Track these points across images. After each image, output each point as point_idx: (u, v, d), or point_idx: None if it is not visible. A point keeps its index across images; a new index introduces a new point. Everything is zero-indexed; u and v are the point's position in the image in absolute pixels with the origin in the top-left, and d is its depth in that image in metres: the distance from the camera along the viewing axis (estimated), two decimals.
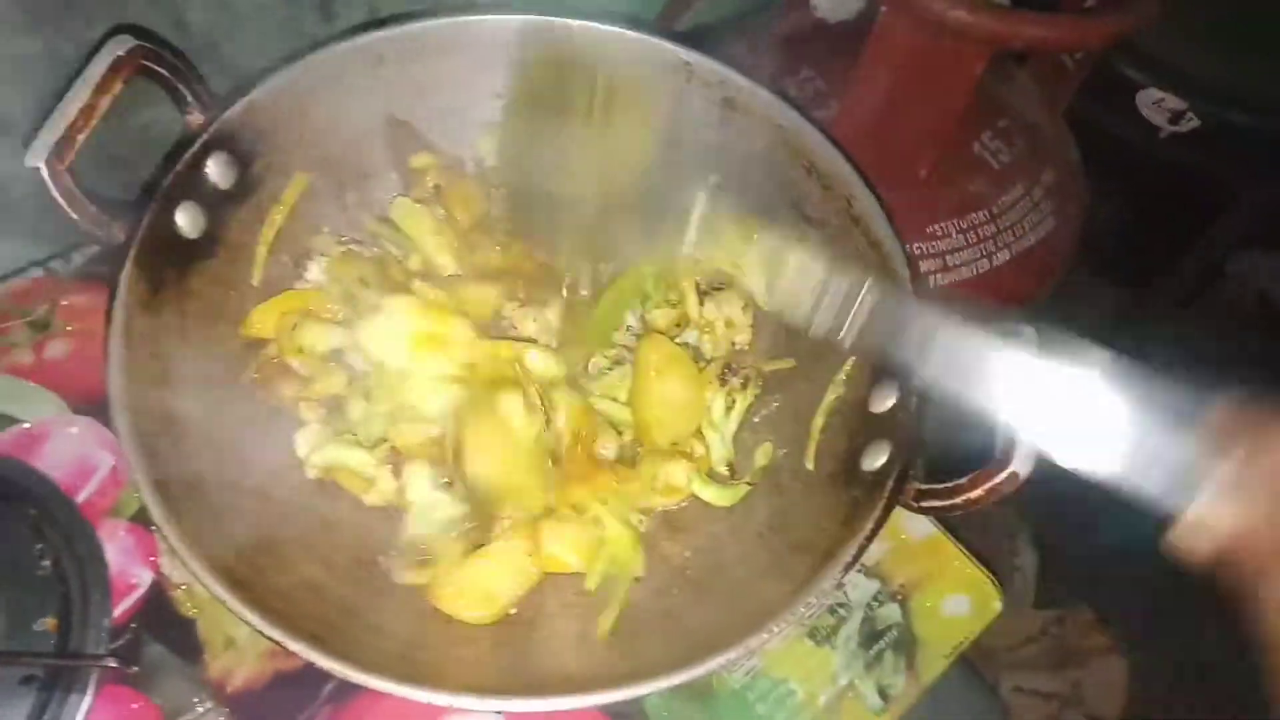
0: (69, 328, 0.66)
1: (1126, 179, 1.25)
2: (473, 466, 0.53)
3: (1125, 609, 1.36)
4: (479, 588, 0.52)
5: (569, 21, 0.58)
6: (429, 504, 0.55)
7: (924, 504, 0.48)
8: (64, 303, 0.67)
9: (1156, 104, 1.24)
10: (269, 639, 0.43)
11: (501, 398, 0.53)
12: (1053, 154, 1.04)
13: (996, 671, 1.30)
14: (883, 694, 0.60)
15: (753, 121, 0.60)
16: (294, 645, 0.43)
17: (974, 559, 0.66)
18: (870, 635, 0.62)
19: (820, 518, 0.51)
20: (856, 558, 0.47)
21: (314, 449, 0.54)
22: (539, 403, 0.53)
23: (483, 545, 0.53)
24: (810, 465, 0.56)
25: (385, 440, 0.55)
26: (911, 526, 0.66)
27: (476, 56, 0.59)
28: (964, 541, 0.67)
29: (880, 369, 0.53)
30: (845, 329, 0.53)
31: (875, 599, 0.63)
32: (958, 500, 0.46)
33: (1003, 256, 0.96)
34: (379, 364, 0.54)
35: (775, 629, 0.46)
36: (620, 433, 0.58)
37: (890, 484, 0.48)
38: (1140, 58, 1.20)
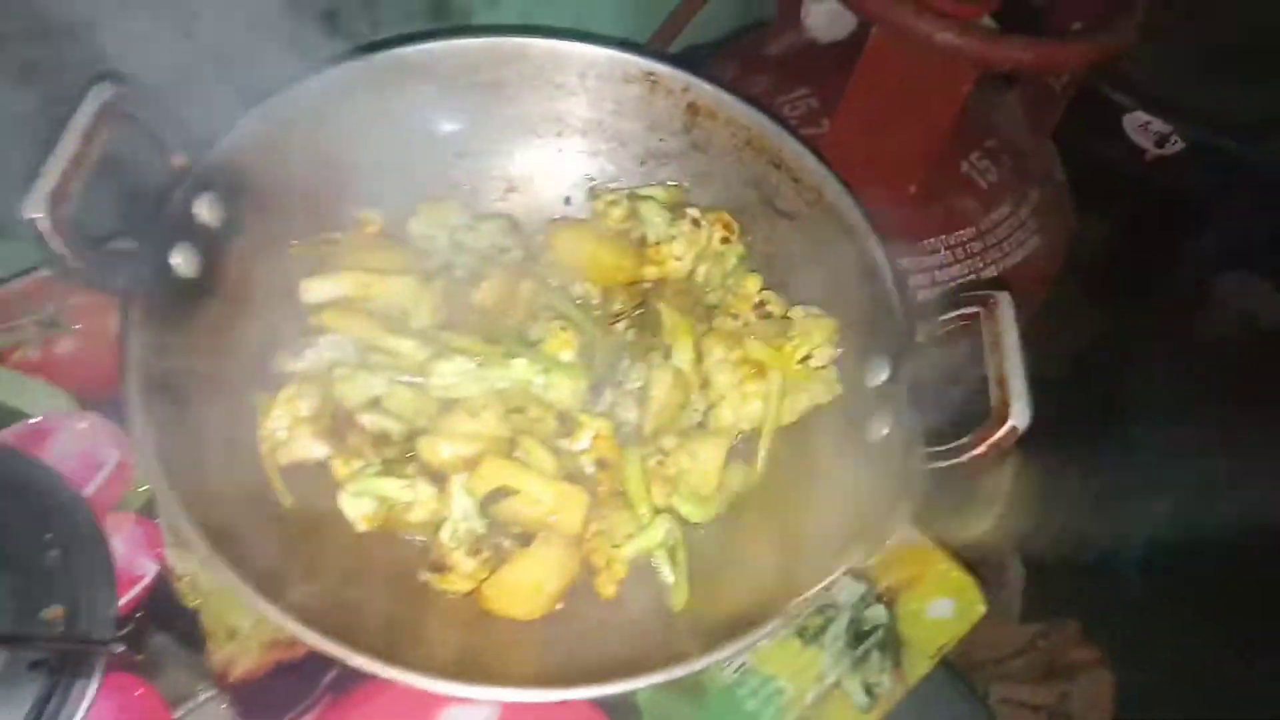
0: (76, 326, 0.68)
1: (1113, 200, 1.28)
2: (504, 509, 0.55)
3: (1111, 624, 1.38)
4: (526, 585, 0.54)
5: (533, 41, 0.61)
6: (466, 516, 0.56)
7: (933, 464, 0.50)
8: (71, 302, 0.69)
9: (1143, 127, 1.27)
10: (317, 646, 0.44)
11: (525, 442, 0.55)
12: (1039, 174, 1.07)
13: (984, 683, 1.31)
14: (869, 692, 0.62)
15: (717, 124, 0.62)
16: (332, 647, 0.44)
17: (959, 564, 0.67)
18: (857, 635, 0.64)
19: (834, 490, 0.53)
20: (882, 527, 0.49)
21: (355, 498, 0.55)
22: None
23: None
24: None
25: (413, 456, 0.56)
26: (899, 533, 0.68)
27: (444, 81, 0.61)
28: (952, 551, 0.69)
29: (870, 345, 0.55)
30: None
31: (862, 600, 0.65)
32: (962, 459, 0.48)
33: (989, 273, 0.98)
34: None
35: (805, 600, 0.47)
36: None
37: (898, 450, 0.50)
38: (1127, 83, 1.23)
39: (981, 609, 0.66)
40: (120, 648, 0.53)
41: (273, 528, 0.51)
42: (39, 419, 0.64)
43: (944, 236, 0.96)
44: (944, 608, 0.66)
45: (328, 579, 0.51)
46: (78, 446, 0.63)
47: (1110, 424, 1.56)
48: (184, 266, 0.52)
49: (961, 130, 0.98)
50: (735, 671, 0.61)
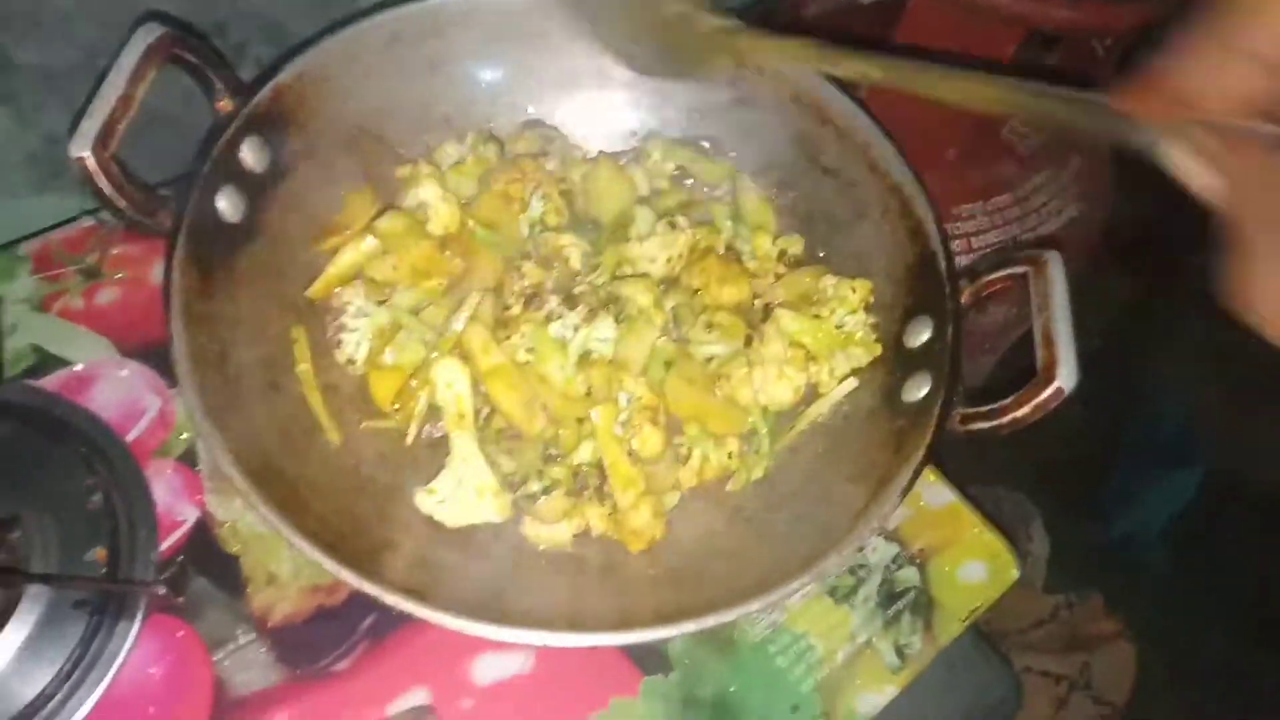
0: (118, 275, 0.68)
1: (1153, 171, 1.25)
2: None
3: (1134, 597, 1.38)
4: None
5: None
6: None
7: (970, 427, 0.49)
8: (114, 252, 0.69)
9: None
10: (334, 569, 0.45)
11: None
12: (1080, 142, 1.05)
13: (1007, 652, 1.32)
14: (899, 653, 0.62)
15: (763, 78, 0.61)
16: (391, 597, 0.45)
17: (992, 527, 0.67)
18: (889, 596, 0.64)
19: (869, 450, 0.53)
20: (912, 482, 0.50)
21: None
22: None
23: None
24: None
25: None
26: (931, 495, 0.67)
27: (484, 31, 0.61)
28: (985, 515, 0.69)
29: (911, 305, 0.54)
30: None
31: (894, 562, 0.65)
32: (1004, 420, 0.48)
33: (1026, 240, 0.97)
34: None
35: (840, 554, 0.47)
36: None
37: (936, 411, 0.50)
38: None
39: (1014, 573, 0.66)
40: (162, 589, 0.54)
41: (313, 469, 0.52)
42: (81, 366, 0.64)
43: (981, 203, 0.96)
44: (976, 571, 0.65)
45: (364, 518, 0.51)
46: (119, 394, 0.64)
47: (1140, 396, 1.55)
48: (229, 210, 0.52)
49: None
50: (766, 628, 0.61)
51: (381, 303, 0.57)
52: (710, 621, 0.46)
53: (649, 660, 0.59)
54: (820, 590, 0.63)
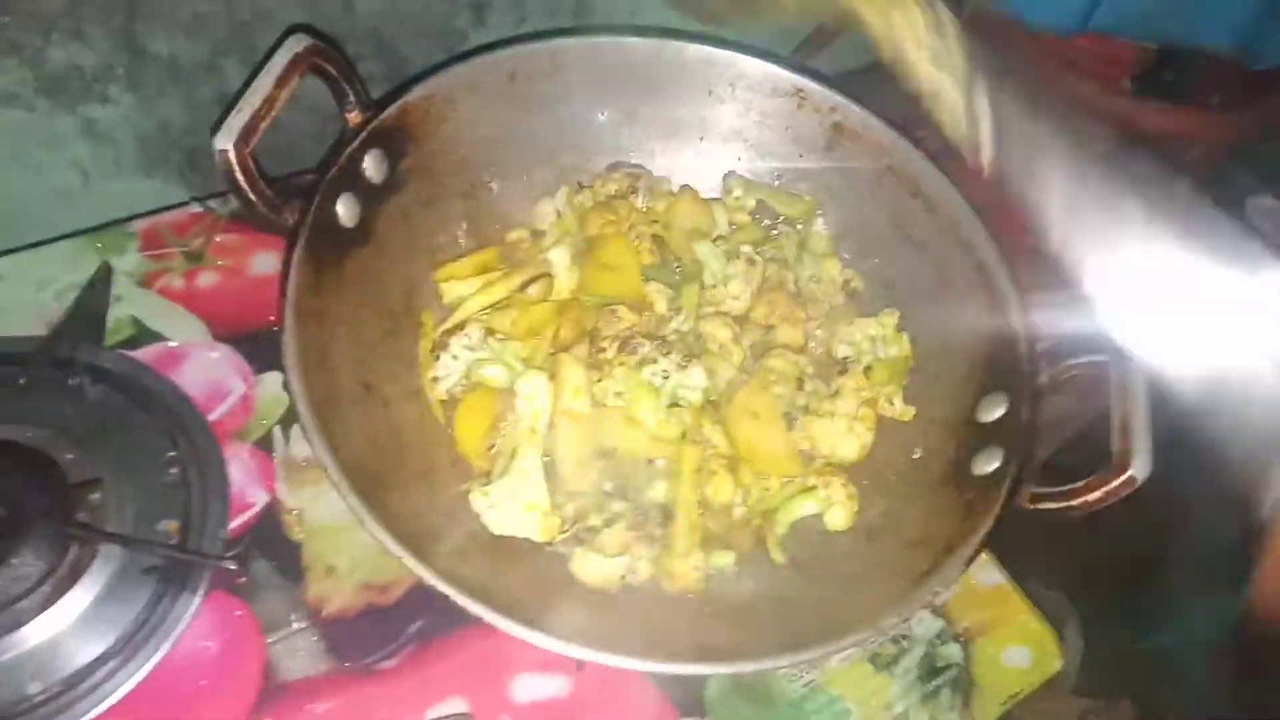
0: (220, 263, 0.71)
1: None
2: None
3: (1168, 708, 1.34)
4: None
5: (690, 46, 0.62)
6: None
7: (1040, 505, 0.50)
8: (218, 239, 0.72)
9: (1268, 212, 1.24)
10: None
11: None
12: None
13: None
14: None
15: (860, 146, 0.63)
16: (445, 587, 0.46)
17: (1040, 614, 0.67)
18: (930, 670, 0.63)
19: (933, 517, 0.54)
20: (978, 552, 0.50)
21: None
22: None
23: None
24: None
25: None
26: (982, 574, 0.67)
27: (599, 76, 0.63)
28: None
29: (987, 381, 0.55)
30: None
31: (939, 637, 0.65)
32: (1074, 503, 0.48)
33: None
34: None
35: (898, 616, 0.48)
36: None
37: (1007, 484, 0.50)
38: (1259, 162, 1.21)
39: (1058, 664, 0.65)
40: (231, 565, 0.56)
41: (390, 469, 0.53)
42: (175, 344, 0.67)
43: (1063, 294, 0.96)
44: (1020, 656, 0.65)
45: (435, 523, 0.53)
46: (207, 374, 0.66)
47: (1196, 502, 1.51)
48: (345, 215, 0.55)
49: None
50: (804, 686, 0.61)
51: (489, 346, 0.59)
52: (752, 666, 0.47)
53: (687, 702, 0.59)
54: (862, 656, 0.63)
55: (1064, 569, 1.38)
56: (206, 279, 0.71)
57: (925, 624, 0.65)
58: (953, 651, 0.64)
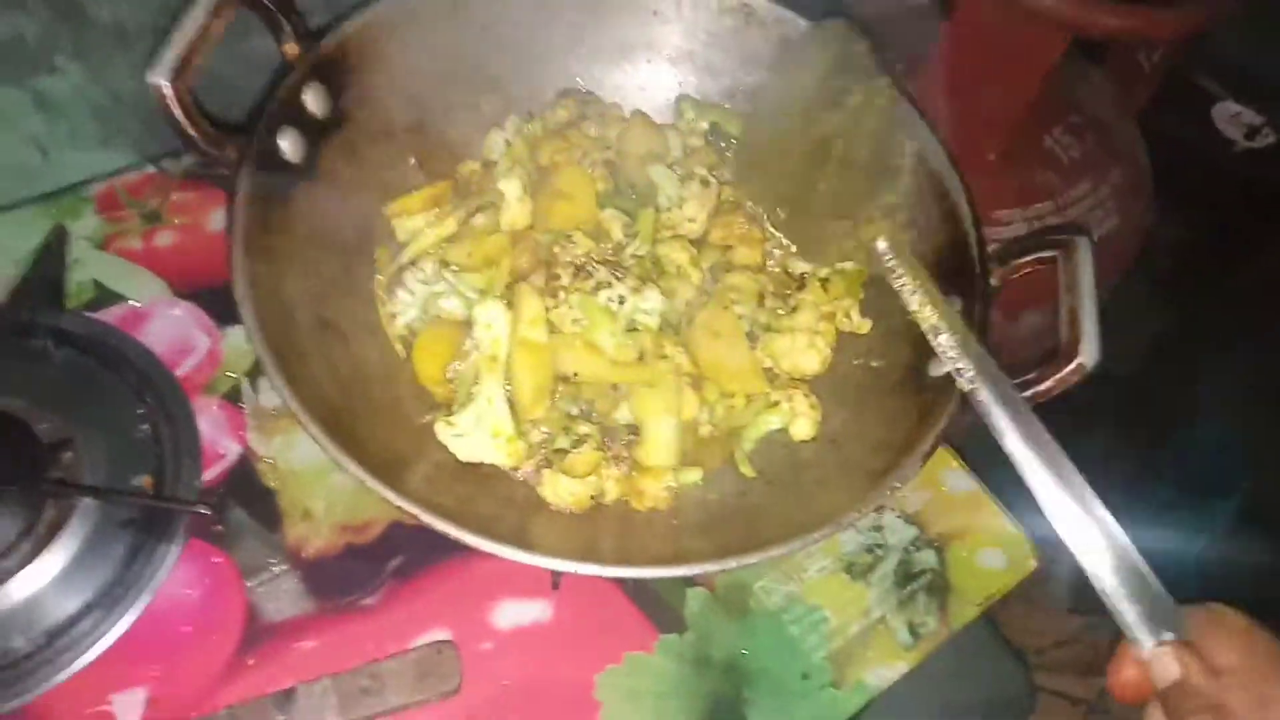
0: (176, 221, 0.71)
1: (1195, 191, 1.26)
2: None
3: None
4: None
5: None
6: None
7: None
8: (173, 198, 0.72)
9: (1233, 118, 1.24)
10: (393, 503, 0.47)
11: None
12: (1123, 155, 1.05)
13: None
14: (913, 632, 0.63)
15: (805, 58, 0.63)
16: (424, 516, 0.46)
17: (1012, 517, 0.68)
18: (905, 577, 0.64)
19: (894, 421, 0.54)
20: (934, 447, 0.51)
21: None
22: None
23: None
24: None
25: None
26: (953, 481, 0.68)
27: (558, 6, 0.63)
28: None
29: (941, 287, 0.55)
30: None
31: (913, 544, 0.66)
32: (1026, 394, 0.49)
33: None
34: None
35: (860, 511, 0.49)
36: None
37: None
38: (1220, 69, 1.20)
39: (1033, 564, 0.66)
40: (205, 510, 0.56)
41: (356, 402, 0.54)
42: (138, 303, 0.67)
43: (1020, 209, 0.96)
44: (995, 558, 0.66)
45: (401, 450, 0.53)
46: (172, 331, 0.66)
47: (1176, 422, 1.53)
48: (289, 150, 0.54)
49: (1047, 103, 0.97)
50: (782, 599, 0.62)
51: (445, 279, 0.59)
52: (718, 566, 0.48)
53: (665, 619, 0.60)
54: (837, 567, 0.64)
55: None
56: (164, 238, 0.70)
57: (899, 533, 0.66)
58: (927, 557, 0.65)
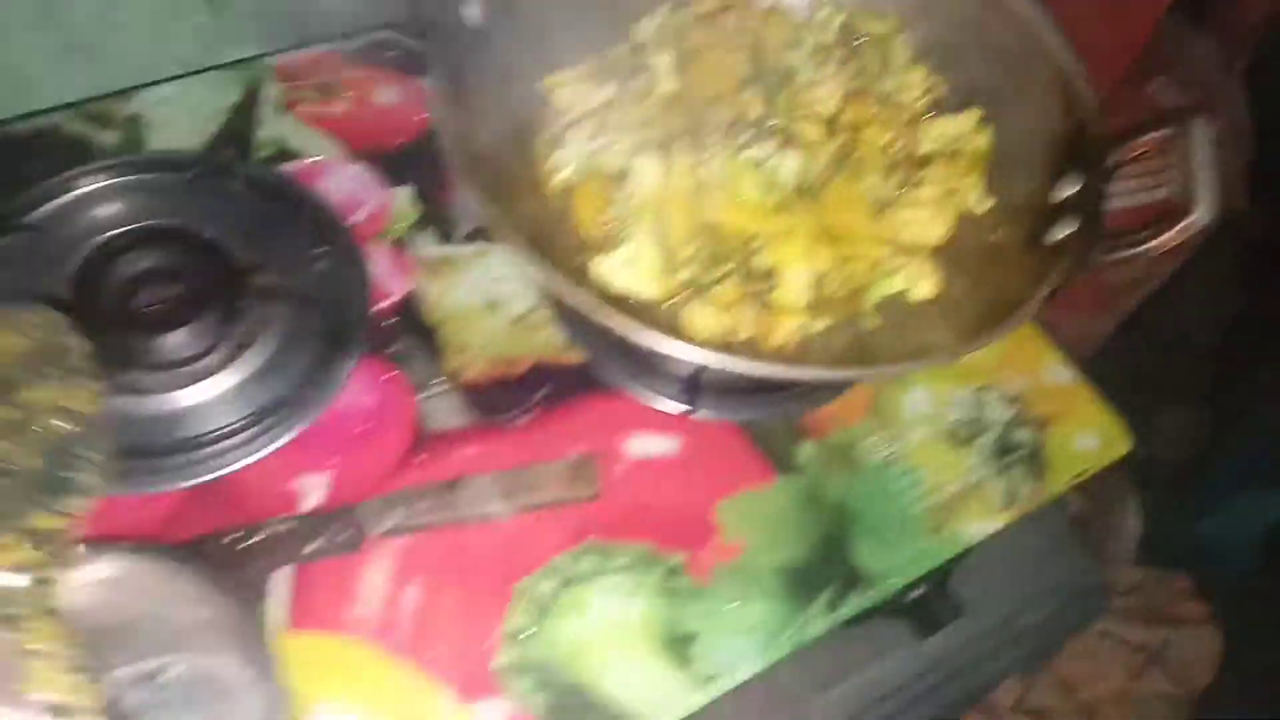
0: (348, 93, 0.79)
1: None
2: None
3: (1222, 592, 1.38)
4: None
5: None
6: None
7: (1114, 255, 0.55)
8: (346, 75, 0.80)
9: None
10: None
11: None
12: (1224, 108, 1.08)
13: None
14: (1009, 496, 0.67)
15: None
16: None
17: (1112, 407, 0.72)
18: (1004, 449, 0.69)
19: (1010, 283, 0.58)
20: (1050, 295, 0.55)
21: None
22: None
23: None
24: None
25: None
26: (1053, 374, 0.73)
27: None
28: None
29: (1062, 165, 0.60)
30: None
31: (1013, 421, 0.70)
32: (1145, 247, 0.53)
33: (1159, 193, 1.00)
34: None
35: (965, 350, 0.54)
36: None
37: (1079, 242, 0.55)
38: None
39: (1126, 447, 0.71)
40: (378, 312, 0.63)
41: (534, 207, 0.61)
42: (314, 160, 0.75)
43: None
44: (1090, 441, 0.71)
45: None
46: (346, 187, 0.74)
47: (1243, 407, 1.54)
48: (474, 14, 0.61)
49: (1155, 55, 1.01)
50: (887, 455, 0.68)
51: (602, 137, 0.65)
52: (849, 374, 0.54)
53: (780, 462, 0.66)
54: (939, 436, 0.69)
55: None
56: (339, 107, 0.78)
57: (1000, 410, 0.71)
58: (1025, 435, 0.70)
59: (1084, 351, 1.22)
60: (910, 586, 0.66)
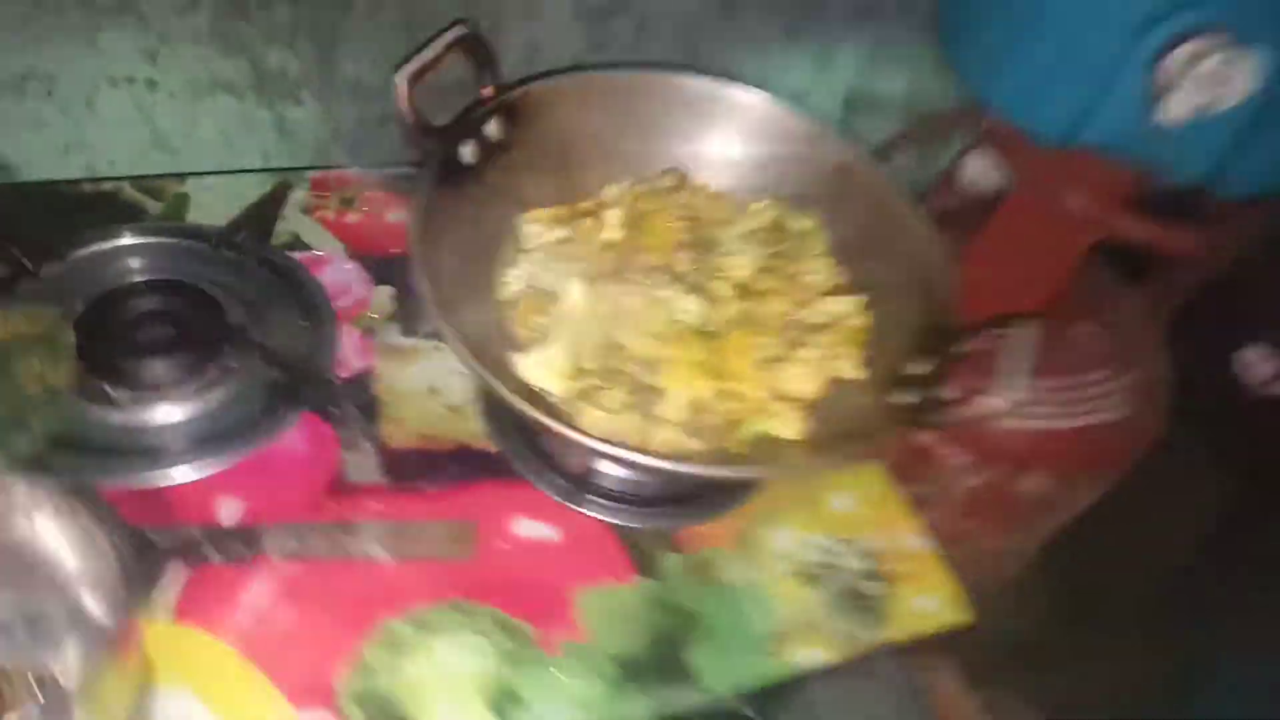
0: (364, 209, 0.94)
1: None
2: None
3: None
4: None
5: (741, 93, 0.84)
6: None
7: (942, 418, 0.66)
8: (366, 194, 0.96)
9: (1257, 360, 1.36)
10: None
11: None
12: (1143, 359, 1.18)
13: None
14: (847, 636, 0.74)
15: (857, 184, 0.83)
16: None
17: (958, 579, 0.79)
18: (852, 594, 0.77)
19: (868, 430, 0.70)
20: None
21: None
22: None
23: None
24: None
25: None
26: (910, 540, 0.81)
27: (669, 107, 0.85)
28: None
29: (923, 349, 0.71)
30: None
31: (865, 572, 0.78)
32: (959, 411, 0.64)
33: (1074, 424, 1.10)
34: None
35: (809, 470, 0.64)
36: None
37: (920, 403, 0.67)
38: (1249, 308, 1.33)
39: (967, 618, 0.78)
40: (334, 379, 0.75)
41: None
42: (319, 253, 0.89)
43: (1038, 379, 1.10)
44: (930, 603, 0.78)
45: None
46: (339, 277, 0.88)
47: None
48: (467, 156, 0.76)
49: (1079, 299, 1.13)
50: (742, 580, 0.75)
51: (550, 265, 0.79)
52: (715, 471, 0.67)
53: (646, 565, 0.74)
54: (795, 571, 0.77)
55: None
56: (352, 217, 0.93)
57: (854, 561, 0.79)
58: (873, 587, 0.78)
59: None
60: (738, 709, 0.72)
